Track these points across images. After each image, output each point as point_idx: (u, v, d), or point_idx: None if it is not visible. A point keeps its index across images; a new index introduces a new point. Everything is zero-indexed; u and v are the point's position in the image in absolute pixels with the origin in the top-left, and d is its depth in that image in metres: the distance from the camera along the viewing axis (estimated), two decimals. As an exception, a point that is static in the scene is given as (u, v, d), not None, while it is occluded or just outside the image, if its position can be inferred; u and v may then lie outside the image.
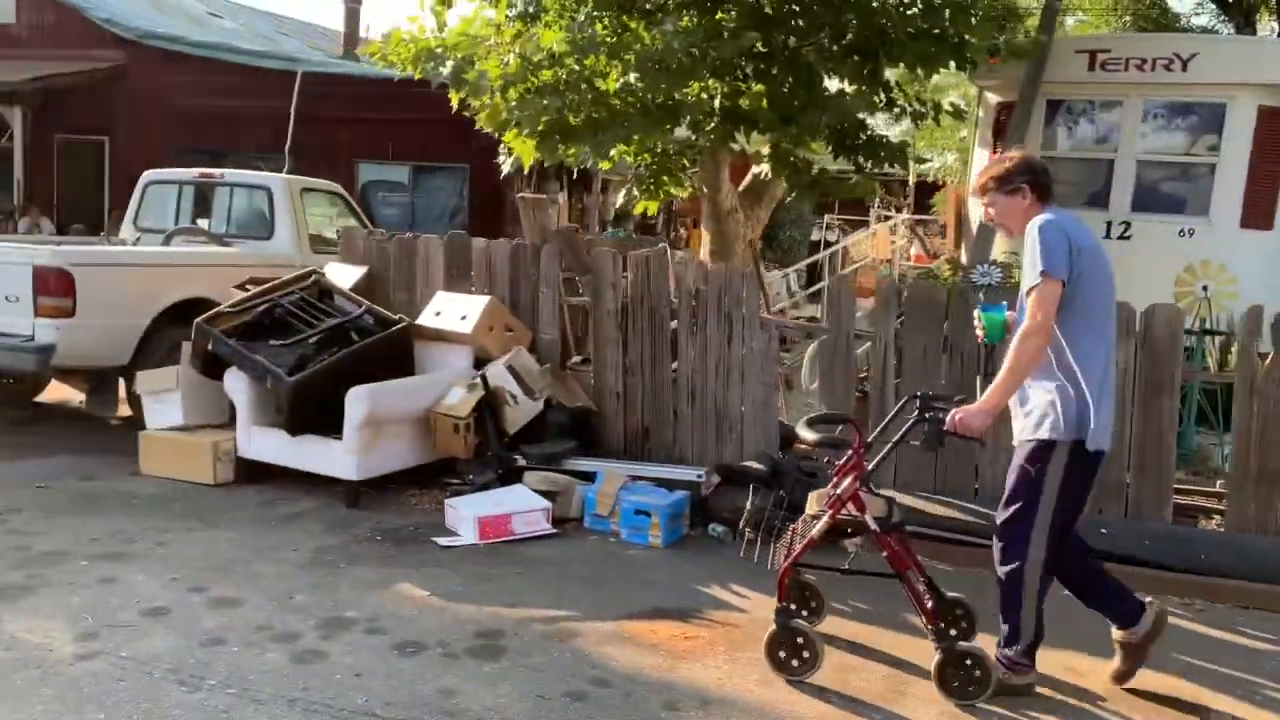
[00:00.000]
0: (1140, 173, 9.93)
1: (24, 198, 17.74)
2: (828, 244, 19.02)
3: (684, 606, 4.76)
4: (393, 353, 6.61)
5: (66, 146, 19.11)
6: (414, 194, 16.97)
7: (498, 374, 6.44)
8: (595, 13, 7.61)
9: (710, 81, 8.00)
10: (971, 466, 6.11)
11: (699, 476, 6.06)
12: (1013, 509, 3.85)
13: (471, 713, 3.64)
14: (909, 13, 8.08)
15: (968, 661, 3.86)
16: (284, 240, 8.72)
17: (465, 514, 5.60)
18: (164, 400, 6.66)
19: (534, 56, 7.47)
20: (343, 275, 7.46)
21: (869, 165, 9.23)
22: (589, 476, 6.16)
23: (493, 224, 15.75)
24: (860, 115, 8.46)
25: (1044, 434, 3.79)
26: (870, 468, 4.03)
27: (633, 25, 7.42)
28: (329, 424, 6.20)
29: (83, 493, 6.11)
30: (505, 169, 9.76)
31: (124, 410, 7.64)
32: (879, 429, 4.40)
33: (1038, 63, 9.85)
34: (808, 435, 4.12)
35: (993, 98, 10.86)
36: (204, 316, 6.47)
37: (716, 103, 8.27)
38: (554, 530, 5.74)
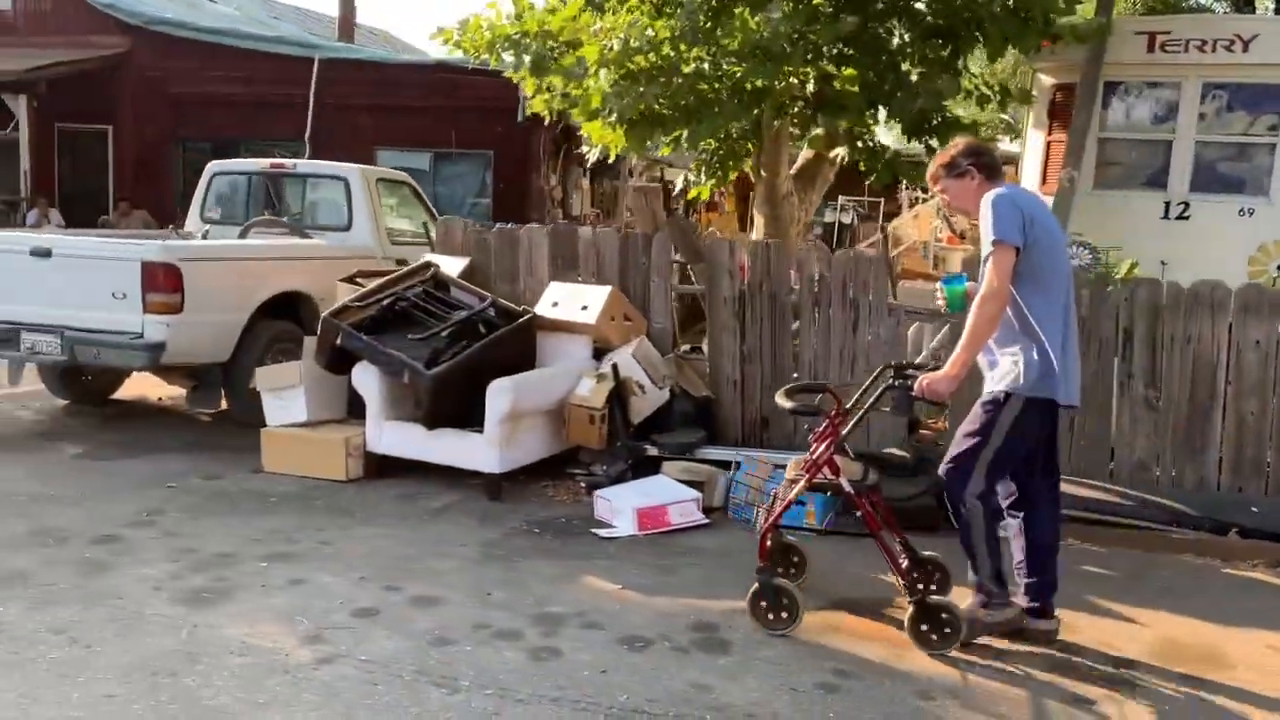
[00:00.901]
0: (1199, 153, 10.02)
1: (30, 189, 17.35)
2: (842, 225, 19.05)
3: (874, 596, 4.76)
4: (519, 345, 6.56)
5: (68, 135, 18.70)
6: (435, 181, 16.78)
7: (627, 364, 6.42)
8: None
9: (801, 67, 7.96)
10: (1107, 449, 6.17)
11: (843, 463, 6.05)
12: (960, 448, 4.15)
13: (736, 708, 3.64)
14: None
15: (939, 614, 4.10)
16: (363, 232, 8.61)
17: (621, 505, 5.58)
18: (285, 397, 6.57)
19: (633, 42, 7.40)
20: (444, 267, 7.38)
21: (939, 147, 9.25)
22: (721, 465, 6.16)
23: (517, 211, 15.63)
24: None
25: (1003, 386, 4.06)
26: (845, 433, 4.29)
27: (737, 11, 7.35)
28: (461, 417, 6.16)
29: (215, 492, 6.02)
30: (591, 159, 9.63)
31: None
32: (855, 397, 4.52)
33: (1098, 44, 9.90)
34: (785, 403, 4.38)
35: (1047, 79, 10.91)
36: (330, 311, 6.38)
37: (809, 87, 8.24)
38: (706, 520, 5.73)
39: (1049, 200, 9.19)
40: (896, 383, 4.17)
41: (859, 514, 4.42)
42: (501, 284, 7.45)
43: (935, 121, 9.01)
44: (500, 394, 5.93)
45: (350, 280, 7.19)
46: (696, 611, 4.49)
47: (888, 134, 10.74)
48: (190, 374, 7.25)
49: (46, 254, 6.91)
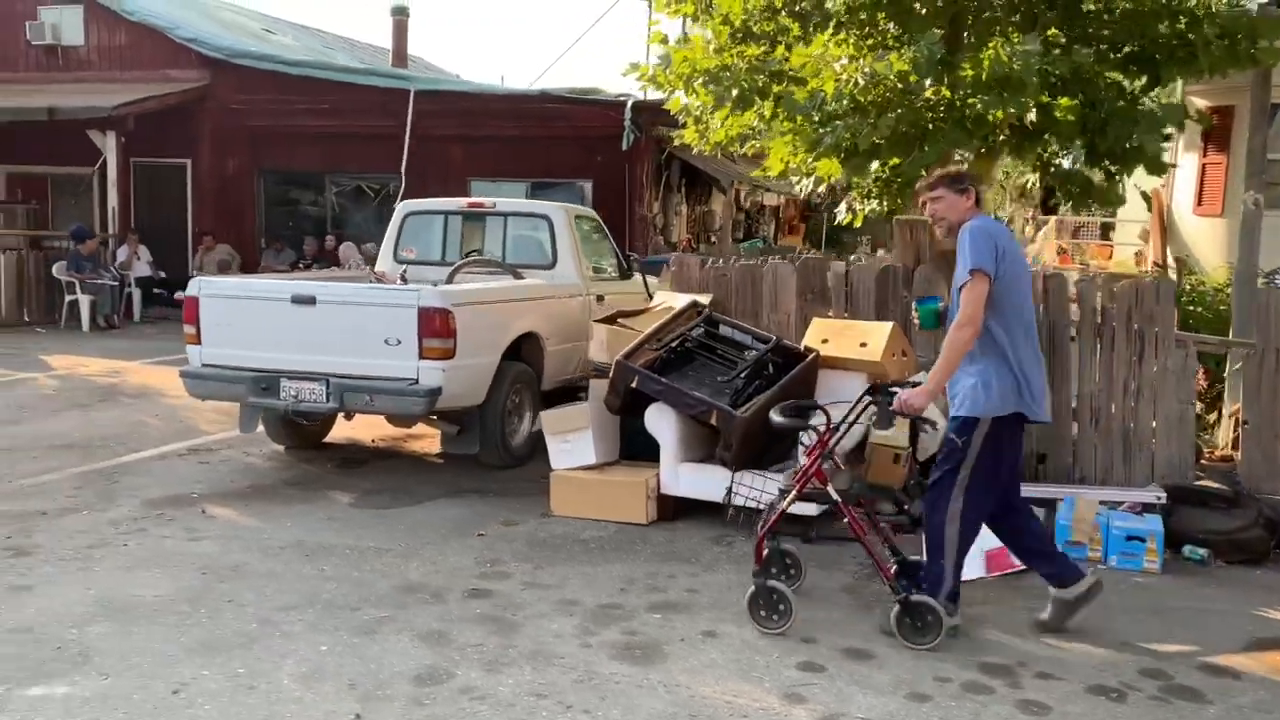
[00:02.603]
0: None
1: (119, 225, 17.21)
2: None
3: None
4: (805, 383, 6.51)
5: (144, 170, 18.56)
6: (533, 212, 16.73)
7: (919, 401, 6.37)
8: (932, 33, 7.56)
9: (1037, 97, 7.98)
10: None
11: (1158, 498, 6.05)
12: (939, 472, 4.51)
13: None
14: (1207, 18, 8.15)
15: (922, 611, 4.45)
16: (568, 269, 8.57)
17: (971, 547, 5.52)
18: (571, 440, 6.51)
19: (877, 77, 7.42)
20: (679, 303, 7.35)
21: (1119, 173, 9.29)
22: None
23: (617, 240, 15.59)
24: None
25: (965, 411, 4.42)
26: (831, 445, 4.66)
27: (991, 43, 7.38)
28: (755, 458, 6.12)
29: (531, 539, 5.95)
30: (803, 190, 9.61)
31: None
32: (844, 416, 4.78)
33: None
34: (776, 419, 4.75)
35: (1200, 102, 11.00)
36: (623, 354, 6.33)
37: (1031, 116, 8.26)
38: (1041, 559, 5.68)
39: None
40: (879, 399, 4.55)
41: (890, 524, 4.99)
42: (742, 320, 7.40)
43: (1127, 148, 9.05)
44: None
45: (609, 321, 7.15)
46: (1125, 656, 4.47)
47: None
48: (453, 418, 7.16)
49: (310, 301, 6.84)
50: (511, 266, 8.49)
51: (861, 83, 7.48)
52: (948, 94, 7.84)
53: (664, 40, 10.61)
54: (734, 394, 6.18)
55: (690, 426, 6.34)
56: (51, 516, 6.13)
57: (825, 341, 6.82)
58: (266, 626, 4.54)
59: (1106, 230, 17.57)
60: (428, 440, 8.45)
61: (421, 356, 6.65)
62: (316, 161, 18.07)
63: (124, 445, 8.01)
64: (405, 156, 16.55)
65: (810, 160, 8.61)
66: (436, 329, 6.64)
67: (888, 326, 6.70)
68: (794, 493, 4.71)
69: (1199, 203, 11.15)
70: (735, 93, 8.50)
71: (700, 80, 8.80)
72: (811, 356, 6.56)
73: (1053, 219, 15.80)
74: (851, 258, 15.30)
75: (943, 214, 4.64)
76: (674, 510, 6.35)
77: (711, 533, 6.09)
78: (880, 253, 18.23)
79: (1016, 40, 7.48)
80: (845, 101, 7.70)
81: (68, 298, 15.37)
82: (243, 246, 18.09)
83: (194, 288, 7.15)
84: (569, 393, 8.27)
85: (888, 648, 4.50)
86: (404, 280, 8.71)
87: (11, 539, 5.69)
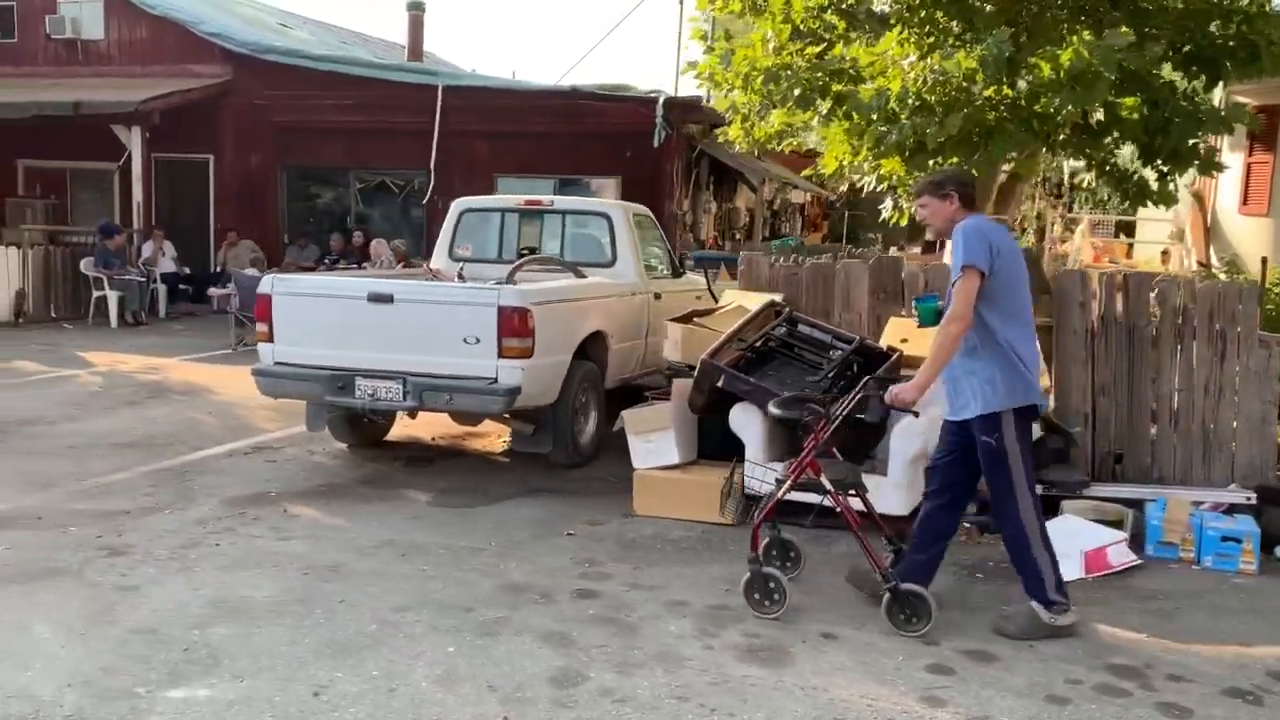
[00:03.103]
0: None
1: (144, 221, 17.14)
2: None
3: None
4: (890, 383, 6.48)
5: (165, 165, 18.46)
6: (560, 208, 16.69)
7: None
8: (1002, 30, 7.54)
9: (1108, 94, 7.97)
10: None
11: (1248, 499, 6.05)
12: (993, 483, 4.57)
13: None
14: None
15: (912, 600, 4.53)
16: (628, 268, 8.54)
17: (1067, 547, 5.52)
18: (654, 440, 6.49)
19: (945, 75, 7.40)
20: (750, 302, 7.33)
21: (1171, 172, 9.29)
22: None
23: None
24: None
25: (981, 409, 4.49)
26: (824, 437, 4.75)
27: (1073, 38, 7.36)
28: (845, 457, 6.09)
29: (619, 540, 5.92)
30: (866, 187, 9.59)
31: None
32: (843, 408, 4.89)
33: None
34: (774, 411, 4.93)
35: (1246, 101, 11.00)
36: (708, 353, 6.31)
37: (1099, 115, 8.27)
38: (1138, 560, 5.69)
39: None
40: (870, 393, 4.71)
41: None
42: (815, 319, 7.39)
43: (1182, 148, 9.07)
44: (911, 436, 5.88)
45: (685, 320, 7.13)
46: (1258, 659, 4.46)
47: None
48: (527, 417, 7.13)
49: (388, 299, 6.80)
50: (573, 265, 8.45)
51: (930, 81, 7.45)
52: (1009, 92, 7.82)
53: (704, 37, 10.58)
54: (822, 394, 6.15)
55: (772, 426, 6.31)
56: (135, 516, 6.10)
57: (904, 341, 6.80)
58: (387, 627, 4.51)
59: (1120, 230, 17.62)
60: (488, 438, 8.42)
61: (500, 355, 6.62)
62: (340, 157, 18.01)
63: (185, 443, 7.96)
64: (434, 152, 16.49)
65: (872, 159, 8.59)
66: (516, 328, 6.61)
67: (969, 326, 6.68)
68: (789, 482, 4.81)
69: (1244, 202, 11.17)
70: (797, 92, 8.46)
71: (758, 79, 8.77)
72: (896, 355, 6.54)
73: (1085, 217, 15.80)
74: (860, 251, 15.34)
75: (929, 219, 4.81)
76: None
77: (802, 533, 6.05)
78: (893, 250, 18.25)
79: (1088, 37, 7.46)
80: (911, 100, 7.68)
81: (95, 293, 15.28)
82: (266, 242, 18.01)
83: (267, 285, 7.11)
84: (627, 392, 8.27)
85: (1009, 649, 4.49)
86: (461, 278, 8.68)
87: (103, 538, 5.65)
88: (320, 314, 7.01)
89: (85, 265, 15.34)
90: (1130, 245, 16.65)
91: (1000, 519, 4.69)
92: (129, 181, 17.93)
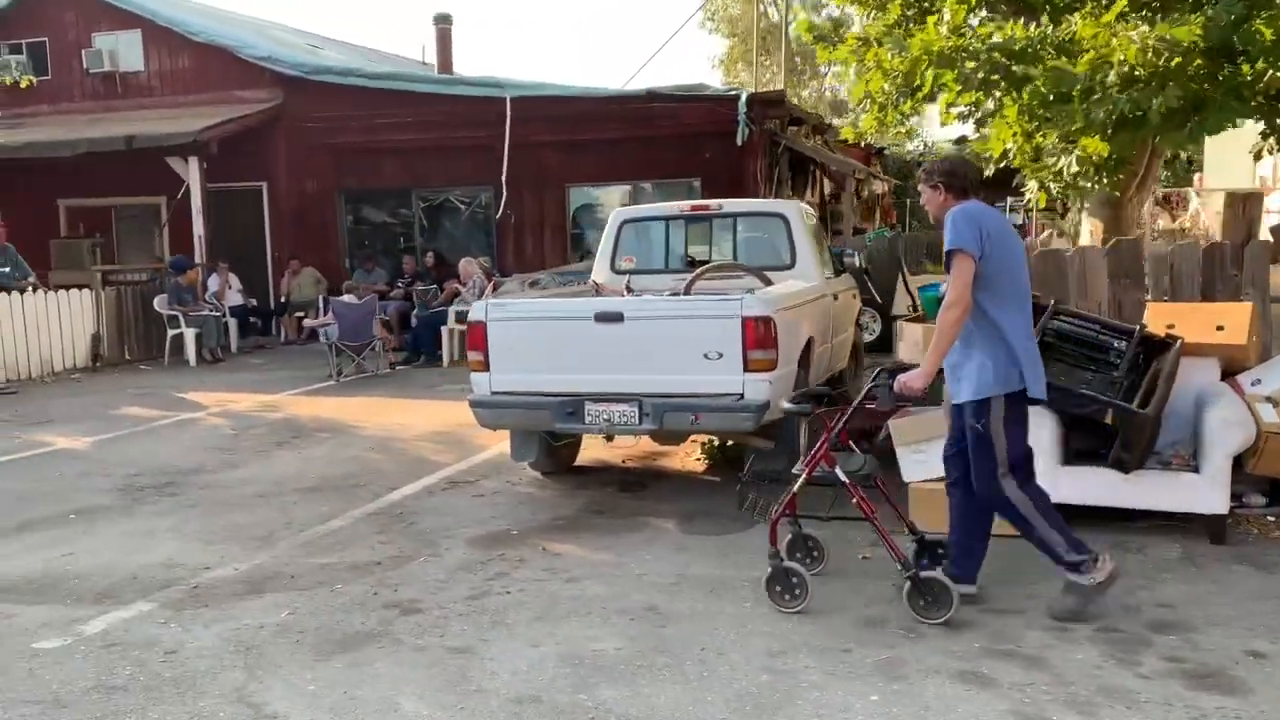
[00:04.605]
0: None
1: (207, 254, 16.63)
2: (1015, 226, 18.79)
3: None
4: (1176, 374, 6.10)
5: (216, 195, 17.87)
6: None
7: (1292, 385, 6.00)
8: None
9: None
10: None
11: None
12: (978, 466, 4.53)
13: None
14: None
15: (932, 586, 4.52)
16: (808, 269, 8.13)
17: None
18: (925, 449, 6.06)
19: (1177, 43, 7.01)
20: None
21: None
22: None
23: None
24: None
25: (972, 394, 4.47)
26: (837, 429, 4.75)
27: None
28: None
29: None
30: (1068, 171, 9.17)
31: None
32: (858, 399, 4.85)
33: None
34: (787, 406, 5.04)
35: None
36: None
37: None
38: None
39: None
40: (878, 382, 4.63)
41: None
42: (1047, 309, 7.00)
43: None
44: (1232, 427, 5.49)
45: (917, 321, 6.72)
46: None
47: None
48: (766, 433, 6.69)
49: (617, 318, 6.38)
50: (756, 269, 8.03)
51: (1150, 51, 7.06)
52: (1224, 64, 7.44)
53: (810, 29, 10.19)
54: (1120, 390, 5.77)
55: (1065, 428, 5.92)
56: (389, 567, 5.65)
57: (1171, 327, 6.41)
58: (783, 678, 4.09)
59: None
60: (679, 456, 8.01)
61: (746, 369, 6.20)
62: (400, 176, 17.55)
63: (372, 484, 7.51)
64: (505, 165, 16.04)
65: (1059, 140, 8.20)
66: (761, 339, 6.19)
67: (1247, 307, 6.32)
68: (803, 476, 4.76)
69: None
70: (981, 75, 8.06)
71: (925, 64, 8.37)
72: (1178, 344, 6.14)
73: (1203, 190, 15.46)
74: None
75: (926, 207, 4.84)
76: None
77: (1108, 537, 5.63)
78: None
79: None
80: (1126, 70, 7.29)
81: (170, 332, 14.77)
82: (326, 268, 17.53)
83: (479, 312, 6.67)
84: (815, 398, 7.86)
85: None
86: (629, 291, 8.25)
87: (379, 594, 5.21)
88: (540, 338, 6.59)
89: (159, 303, 14.84)
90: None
91: (996, 508, 4.64)
92: (178, 215, 17.45)
